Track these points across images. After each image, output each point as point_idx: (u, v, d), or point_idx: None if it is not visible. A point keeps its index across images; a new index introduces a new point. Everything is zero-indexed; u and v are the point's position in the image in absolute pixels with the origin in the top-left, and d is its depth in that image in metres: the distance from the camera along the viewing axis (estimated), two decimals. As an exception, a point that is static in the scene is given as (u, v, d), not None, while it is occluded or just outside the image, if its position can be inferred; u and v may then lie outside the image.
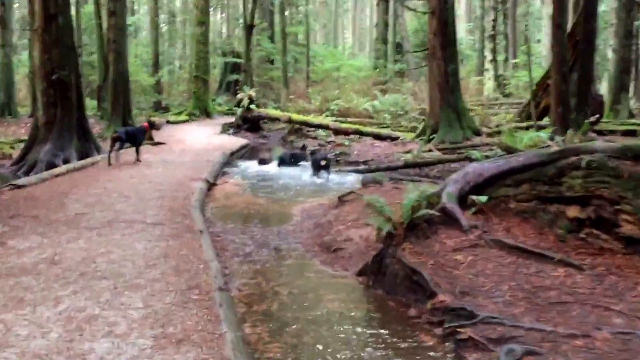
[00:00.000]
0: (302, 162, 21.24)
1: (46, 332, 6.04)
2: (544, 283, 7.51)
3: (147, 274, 7.87)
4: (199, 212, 11.86)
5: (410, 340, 6.93)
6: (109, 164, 18.11)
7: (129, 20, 41.64)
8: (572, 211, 8.60)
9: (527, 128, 24.77)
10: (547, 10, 43.87)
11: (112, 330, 6.11)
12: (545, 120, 25.46)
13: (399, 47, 51.60)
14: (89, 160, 18.69)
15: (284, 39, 43.25)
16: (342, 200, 12.68)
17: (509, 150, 16.00)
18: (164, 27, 57.63)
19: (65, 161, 18.48)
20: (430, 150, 22.73)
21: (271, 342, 6.70)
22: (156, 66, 45.20)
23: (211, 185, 16.16)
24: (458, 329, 6.80)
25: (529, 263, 7.95)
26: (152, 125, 19.62)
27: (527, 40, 54.85)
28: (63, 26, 18.86)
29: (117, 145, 18.53)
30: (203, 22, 40.86)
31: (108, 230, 10.12)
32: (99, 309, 6.64)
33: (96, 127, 29.30)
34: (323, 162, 19.04)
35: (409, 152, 23.40)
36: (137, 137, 19.29)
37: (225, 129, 33.31)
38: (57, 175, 15.91)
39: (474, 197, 9.04)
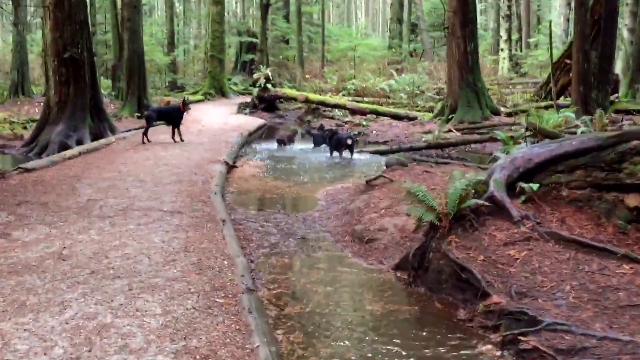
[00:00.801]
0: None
1: (49, 346, 5.07)
2: (610, 282, 6.51)
3: (166, 271, 6.89)
4: (220, 199, 10.86)
5: (464, 348, 5.95)
6: (143, 142, 17.83)
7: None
8: (633, 200, 7.57)
9: (546, 107, 23.74)
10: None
11: (126, 343, 5.14)
12: (564, 100, 24.47)
13: (413, 27, 50.49)
14: (102, 141, 17.71)
15: (299, 18, 42.20)
16: (370, 184, 11.66)
17: (539, 131, 14.99)
18: (178, 7, 56.53)
19: (79, 142, 17.57)
20: (449, 131, 21.72)
21: (307, 356, 5.72)
22: (171, 45, 44.33)
23: (230, 168, 15.20)
24: (519, 337, 5.81)
25: (589, 259, 6.92)
26: (185, 104, 18.59)
27: (539, 20, 53.86)
28: (75, 2, 17.85)
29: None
30: (218, 1, 39.81)
31: (122, 220, 9.14)
32: (111, 315, 5.67)
33: (111, 106, 28.44)
34: (349, 142, 18.03)
35: (428, 132, 22.46)
36: (171, 117, 18.49)
37: (242, 108, 32.44)
38: (69, 158, 14.92)
39: (524, 185, 8.00)
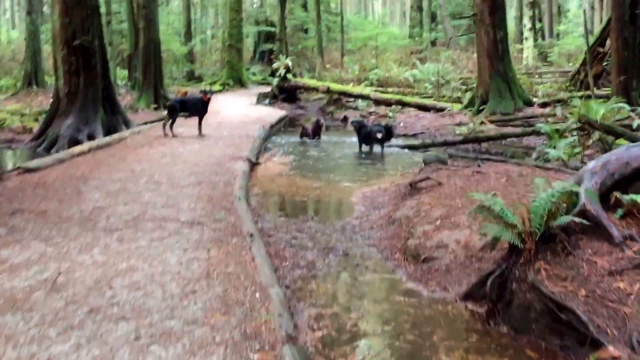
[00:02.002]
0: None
1: None
2: None
3: (184, 309, 5.34)
4: (245, 205, 9.26)
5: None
6: (165, 134, 16.75)
7: (160, -11, 39.10)
8: None
9: (582, 98, 22.13)
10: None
11: None
12: (597, 90, 22.81)
13: (433, 16, 48.79)
14: (115, 136, 16.17)
15: (318, 7, 40.43)
16: (415, 187, 10.04)
17: (593, 125, 13.38)
18: (195, -4, 55.04)
19: (90, 137, 16.11)
20: (482, 123, 20.09)
21: None
22: (188, 35, 42.96)
23: (253, 165, 13.65)
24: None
25: None
26: (206, 93, 17.13)
27: (559, 8, 51.97)
28: (85, -15, 16.33)
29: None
30: (236, -11, 38.35)
31: (132, 233, 7.58)
32: (110, 385, 4.12)
33: (127, 97, 27.09)
34: (379, 135, 16.49)
35: (459, 124, 20.90)
36: (195, 108, 17.19)
37: (261, 99, 31.19)
38: (78, 155, 13.37)
39: (621, 195, 6.37)
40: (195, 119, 17.06)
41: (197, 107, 16.92)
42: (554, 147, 13.57)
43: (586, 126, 13.79)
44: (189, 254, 6.82)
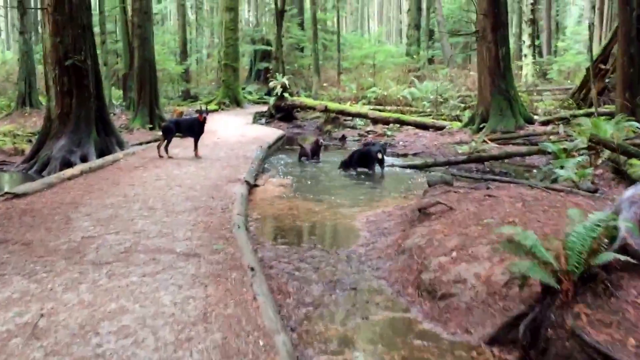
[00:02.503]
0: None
1: None
2: None
3: (178, 362, 4.69)
4: (244, 234, 8.57)
5: None
6: (160, 156, 16.10)
7: (155, 8, 38.57)
8: None
9: (585, 115, 21.62)
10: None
11: None
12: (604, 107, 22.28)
13: (431, 33, 48.31)
14: (109, 158, 15.50)
15: (314, 25, 39.87)
16: (424, 212, 9.39)
17: (605, 144, 12.79)
18: (191, 15, 54.51)
19: (83, 158, 15.49)
20: (484, 142, 19.52)
21: None
22: (184, 54, 42.56)
23: (252, 187, 13.02)
24: None
25: None
26: (201, 113, 16.45)
27: (557, 26, 51.58)
28: (77, 3, 15.68)
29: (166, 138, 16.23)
30: (232, 7, 37.97)
31: (123, 267, 6.91)
32: None
33: (122, 117, 26.57)
34: (379, 155, 15.94)
35: (460, 142, 20.41)
36: (191, 129, 16.49)
37: (257, 118, 30.74)
38: (69, 178, 12.67)
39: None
40: (191, 139, 16.41)
41: (193, 128, 16.28)
42: (561, 167, 12.99)
43: (596, 145, 13.22)
44: (185, 292, 6.16)
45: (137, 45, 25.57)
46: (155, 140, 18.78)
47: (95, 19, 28.33)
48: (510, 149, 18.15)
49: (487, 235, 7.15)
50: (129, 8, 28.07)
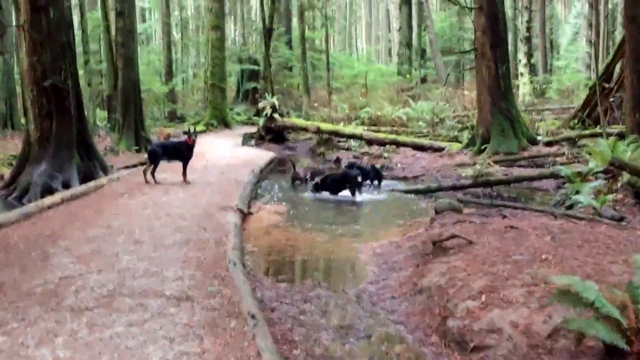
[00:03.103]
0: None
1: None
2: None
3: None
4: (242, 274, 7.73)
5: None
6: (146, 181, 15.14)
7: (140, 28, 37.85)
8: None
9: (592, 136, 20.98)
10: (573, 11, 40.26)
11: None
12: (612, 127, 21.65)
13: (423, 52, 47.75)
14: (91, 184, 14.63)
15: (303, 44, 39.39)
16: (439, 246, 8.61)
17: (626, 167, 12.07)
18: (176, 34, 53.83)
19: (65, 184, 14.66)
20: (489, 165, 18.79)
21: None
22: (169, 74, 41.83)
23: (245, 216, 12.24)
24: None
25: None
26: (190, 135, 15.66)
27: (552, 44, 51.16)
28: (55, 20, 14.84)
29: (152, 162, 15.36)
30: (218, 26, 37.23)
31: (105, 315, 6.11)
32: None
33: (107, 139, 25.73)
34: (359, 179, 15.43)
35: (461, 165, 19.73)
36: (179, 153, 15.61)
37: (247, 140, 30.01)
38: (49, 207, 11.81)
39: None
40: (179, 163, 15.62)
41: (181, 152, 15.47)
42: (577, 192, 12.29)
43: (616, 169, 12.52)
44: (177, 347, 5.36)
45: (122, 65, 24.77)
46: (142, 164, 17.99)
47: (78, 39, 27.55)
48: (517, 172, 17.50)
49: (519, 275, 6.39)
50: (113, 27, 27.29)
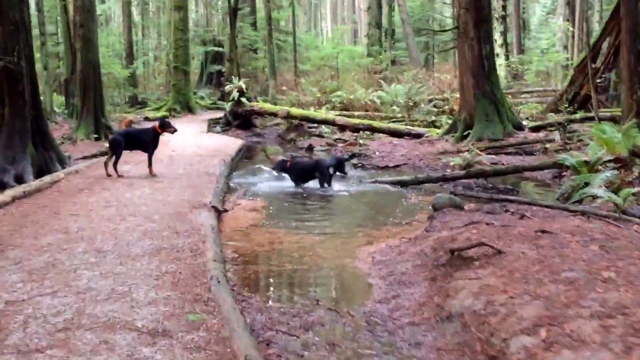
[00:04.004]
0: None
1: None
2: None
3: None
4: (228, 296, 6.36)
5: None
6: (107, 174, 13.82)
7: (99, 9, 36.09)
8: None
9: (582, 120, 20.06)
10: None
11: None
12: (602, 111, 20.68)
13: (392, 33, 46.34)
14: (47, 178, 13.12)
15: (269, 25, 37.78)
16: (461, 256, 7.28)
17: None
18: (136, 15, 51.99)
19: (18, 179, 13.19)
20: (479, 153, 17.59)
21: None
22: (130, 57, 40.27)
23: (220, 214, 10.90)
24: None
25: None
26: (164, 126, 14.52)
27: (524, 24, 50.18)
28: (6, -4, 13.37)
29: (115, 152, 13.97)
30: (180, 6, 35.85)
31: (62, 359, 4.77)
32: None
33: (65, 126, 24.23)
34: (331, 170, 14.38)
35: (444, 153, 18.60)
36: (144, 142, 14.24)
37: (212, 125, 28.60)
38: (-2, 208, 10.41)
39: None
40: (143, 153, 14.24)
41: (146, 141, 14.09)
42: (585, 184, 11.17)
43: (627, 159, 11.42)
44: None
45: (80, 46, 23.13)
46: (103, 154, 16.64)
47: (35, 20, 25.87)
48: (507, 160, 16.41)
49: (581, 300, 5.12)
50: (71, 7, 25.67)
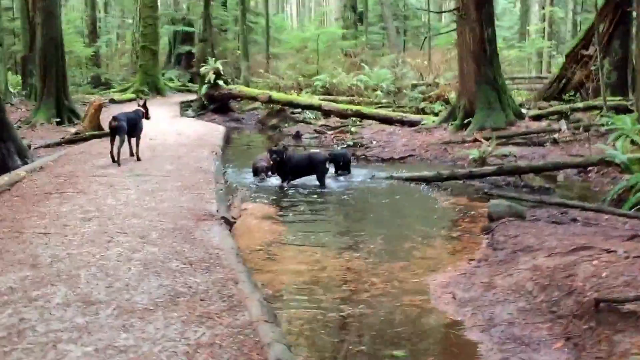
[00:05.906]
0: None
1: None
2: None
3: None
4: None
5: None
6: (118, 164, 11.89)
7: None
8: None
9: (585, 109, 18.23)
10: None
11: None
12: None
13: (360, 17, 43.84)
14: (5, 178, 10.10)
15: (242, 4, 35.01)
16: (616, 310, 4.82)
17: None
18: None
19: (-30, 176, 10.35)
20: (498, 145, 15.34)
21: None
22: (93, 35, 37.49)
23: (231, 226, 8.37)
24: None
25: None
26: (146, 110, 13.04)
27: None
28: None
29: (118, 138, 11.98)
30: (149, -17, 32.83)
31: None
32: None
33: (22, 108, 21.43)
34: (327, 165, 12.28)
35: (448, 143, 17.04)
36: (136, 126, 12.59)
37: (184, 109, 25.85)
38: (-61, 221, 7.69)
39: None
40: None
41: (138, 124, 12.49)
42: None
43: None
44: None
45: (41, 20, 20.15)
46: (68, 142, 14.14)
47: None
48: (523, 152, 14.57)
49: None
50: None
